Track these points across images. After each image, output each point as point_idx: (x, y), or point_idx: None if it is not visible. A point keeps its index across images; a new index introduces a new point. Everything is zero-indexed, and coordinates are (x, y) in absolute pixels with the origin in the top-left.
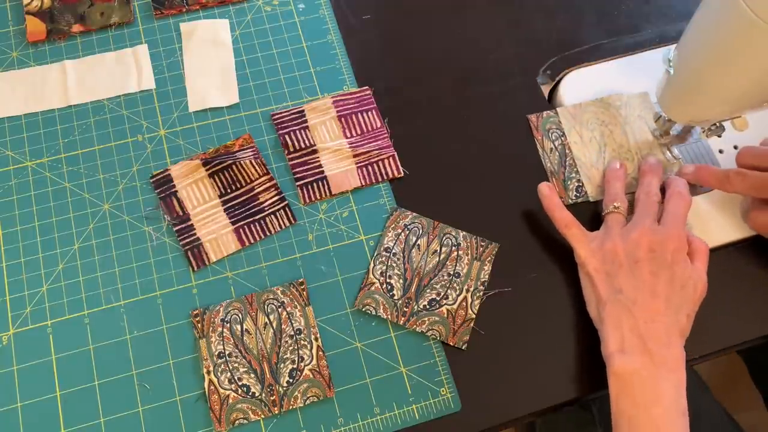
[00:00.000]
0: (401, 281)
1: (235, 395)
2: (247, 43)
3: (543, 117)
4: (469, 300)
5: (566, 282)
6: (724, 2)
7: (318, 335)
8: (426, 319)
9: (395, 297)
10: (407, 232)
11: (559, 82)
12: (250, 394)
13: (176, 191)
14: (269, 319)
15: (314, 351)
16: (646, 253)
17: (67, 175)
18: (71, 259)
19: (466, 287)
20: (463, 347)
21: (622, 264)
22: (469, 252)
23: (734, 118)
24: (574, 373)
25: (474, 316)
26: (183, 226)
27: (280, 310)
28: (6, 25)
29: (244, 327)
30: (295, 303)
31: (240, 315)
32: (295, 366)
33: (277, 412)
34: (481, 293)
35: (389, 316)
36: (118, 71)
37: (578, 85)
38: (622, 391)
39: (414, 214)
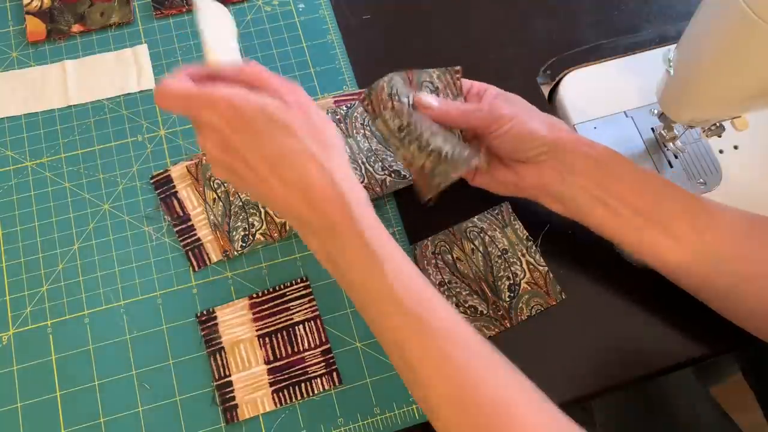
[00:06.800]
0: (476, 297)
1: (464, 315)
2: (247, 43)
3: (203, 164)
4: (532, 260)
5: (567, 282)
6: (724, 2)
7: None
8: (522, 305)
9: (485, 313)
10: (438, 256)
11: (559, 82)
12: (479, 312)
13: (176, 192)
14: (475, 245)
15: (525, 266)
16: None
17: (67, 175)
18: (71, 259)
19: (520, 253)
20: (563, 296)
21: None
22: (495, 226)
23: (734, 118)
24: (574, 374)
25: (546, 267)
26: (183, 226)
27: (482, 235)
28: (6, 25)
29: (455, 256)
30: (494, 226)
31: (447, 246)
32: (512, 281)
33: (508, 325)
34: (534, 246)
35: (496, 330)
36: (118, 71)
37: (578, 85)
38: None
39: (430, 238)
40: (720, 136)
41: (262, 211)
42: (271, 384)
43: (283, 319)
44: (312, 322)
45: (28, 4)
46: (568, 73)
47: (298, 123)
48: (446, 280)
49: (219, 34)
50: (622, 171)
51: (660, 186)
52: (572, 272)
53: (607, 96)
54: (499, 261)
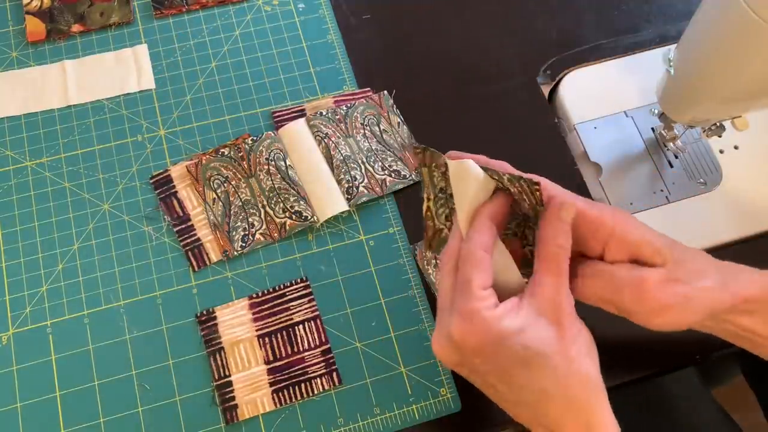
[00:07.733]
0: None
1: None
2: (247, 43)
3: (202, 164)
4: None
5: None
6: (724, 2)
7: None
8: None
9: None
10: (438, 256)
11: (559, 82)
12: None
13: (176, 192)
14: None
15: None
16: None
17: (67, 175)
18: (71, 259)
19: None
20: None
21: None
22: None
23: (734, 118)
24: None
25: None
26: (183, 226)
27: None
28: (6, 25)
29: None
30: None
31: None
32: None
33: None
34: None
35: None
36: (118, 71)
37: (578, 85)
38: None
39: None
40: (720, 136)
41: (262, 211)
42: (271, 384)
43: (283, 319)
44: (312, 322)
45: (28, 4)
46: (568, 73)
47: (560, 358)
48: None
49: (474, 203)
50: (756, 309)
51: None
52: None
53: (607, 96)
54: None
